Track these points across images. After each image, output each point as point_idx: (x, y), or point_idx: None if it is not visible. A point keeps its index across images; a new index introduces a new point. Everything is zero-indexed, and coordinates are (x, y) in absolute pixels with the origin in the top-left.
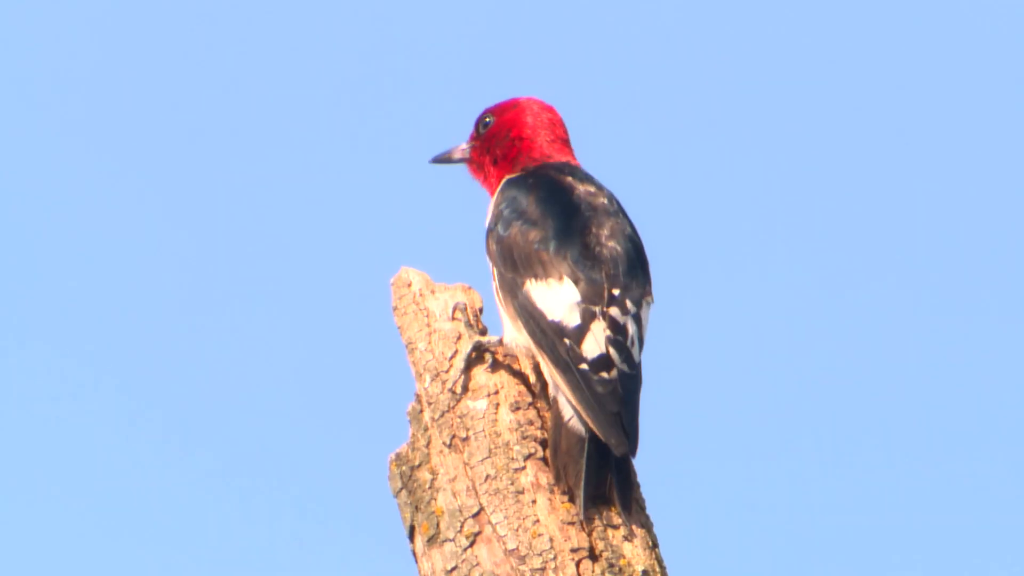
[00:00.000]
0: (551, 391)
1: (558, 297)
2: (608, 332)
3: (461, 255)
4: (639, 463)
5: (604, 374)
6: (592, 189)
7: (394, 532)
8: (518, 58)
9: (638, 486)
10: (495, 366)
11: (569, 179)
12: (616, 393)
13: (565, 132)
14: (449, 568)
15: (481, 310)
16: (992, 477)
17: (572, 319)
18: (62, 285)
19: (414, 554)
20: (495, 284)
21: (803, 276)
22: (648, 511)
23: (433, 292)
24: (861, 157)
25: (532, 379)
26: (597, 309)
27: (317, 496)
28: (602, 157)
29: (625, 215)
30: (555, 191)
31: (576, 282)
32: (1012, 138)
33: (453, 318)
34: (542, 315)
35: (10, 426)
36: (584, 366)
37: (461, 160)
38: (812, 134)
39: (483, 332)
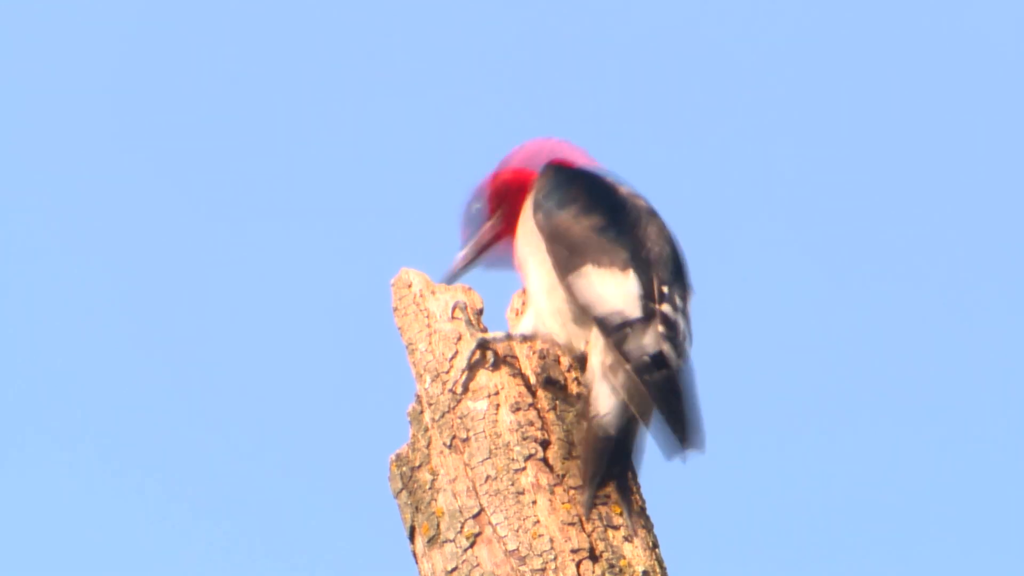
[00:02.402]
0: (586, 379)
1: (621, 287)
2: (662, 329)
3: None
4: (638, 462)
5: (660, 371)
6: (632, 191)
7: (394, 533)
8: (516, 58)
9: (639, 487)
10: (496, 365)
11: (610, 179)
12: (675, 389)
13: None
14: (449, 569)
15: (481, 311)
16: (994, 480)
17: (634, 311)
18: (51, 283)
19: (414, 555)
20: (549, 261)
21: (804, 274)
22: (648, 512)
23: (433, 293)
24: (864, 161)
25: (532, 379)
26: (654, 306)
27: (317, 496)
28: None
29: (663, 219)
30: (601, 186)
31: (639, 275)
32: (1013, 138)
33: (453, 317)
34: (601, 302)
35: None
36: (645, 358)
37: (493, 246)
38: (816, 138)
39: (483, 332)
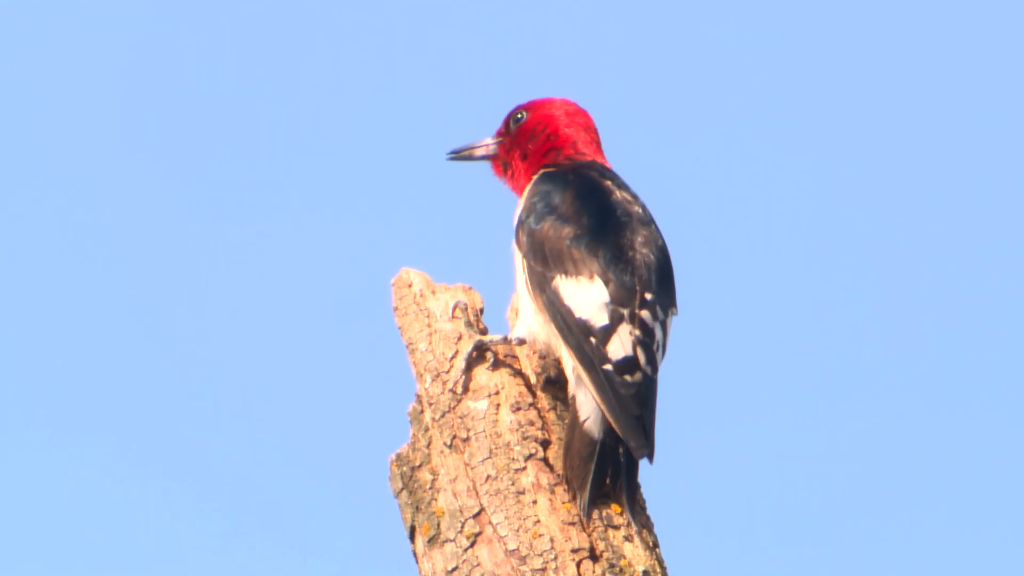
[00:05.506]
0: (571, 389)
1: (587, 295)
2: (637, 333)
3: (462, 255)
4: (640, 462)
5: (627, 377)
6: (629, 197)
7: (394, 532)
8: (519, 58)
9: (639, 487)
10: (496, 365)
11: (608, 183)
12: (639, 396)
13: (598, 137)
14: (450, 568)
15: (482, 310)
16: (997, 482)
17: (600, 319)
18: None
19: (415, 554)
20: (524, 277)
21: (801, 274)
22: (648, 511)
23: (434, 292)
24: (863, 161)
25: (533, 379)
26: (626, 312)
27: (318, 496)
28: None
29: (657, 228)
30: (593, 191)
31: (607, 283)
32: (1013, 138)
33: (453, 317)
34: (569, 312)
35: None
36: (608, 367)
37: (484, 157)
38: (815, 137)
39: (483, 332)
